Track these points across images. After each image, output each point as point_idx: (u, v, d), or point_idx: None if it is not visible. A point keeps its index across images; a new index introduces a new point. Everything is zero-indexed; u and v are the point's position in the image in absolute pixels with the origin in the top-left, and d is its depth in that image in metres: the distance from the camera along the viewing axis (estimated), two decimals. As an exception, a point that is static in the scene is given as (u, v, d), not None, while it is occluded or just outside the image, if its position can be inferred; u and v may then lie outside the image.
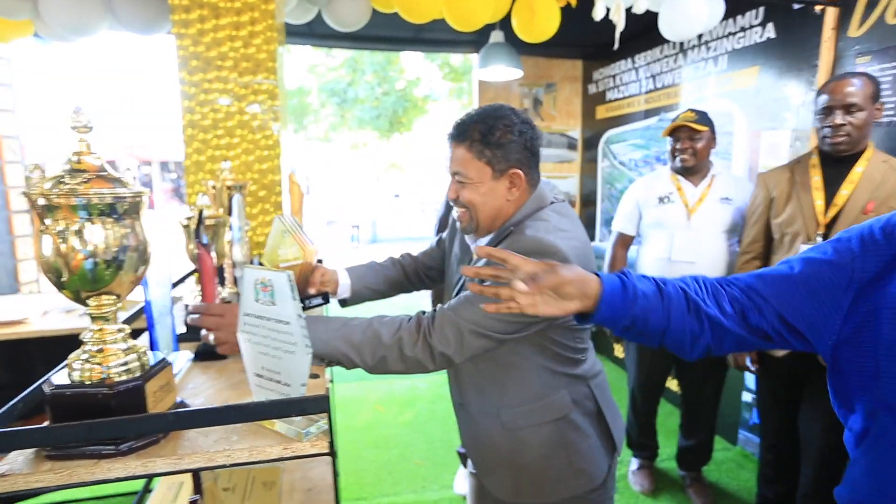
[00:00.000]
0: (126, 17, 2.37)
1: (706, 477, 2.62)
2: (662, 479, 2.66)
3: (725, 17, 2.82)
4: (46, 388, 0.72)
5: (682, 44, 3.33)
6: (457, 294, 1.23)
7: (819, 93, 1.79)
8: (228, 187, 1.61)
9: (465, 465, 2.65)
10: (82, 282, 0.71)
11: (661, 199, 2.30)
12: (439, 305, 1.06)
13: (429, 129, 13.63)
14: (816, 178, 1.82)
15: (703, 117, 2.20)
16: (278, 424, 0.81)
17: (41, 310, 1.82)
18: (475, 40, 4.15)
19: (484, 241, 1.18)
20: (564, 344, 1.15)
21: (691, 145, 2.19)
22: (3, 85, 4.14)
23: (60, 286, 0.71)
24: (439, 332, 1.00)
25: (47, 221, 0.67)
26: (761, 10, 2.66)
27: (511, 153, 1.09)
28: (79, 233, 0.69)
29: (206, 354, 1.13)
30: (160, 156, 15.27)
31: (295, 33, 3.45)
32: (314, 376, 0.98)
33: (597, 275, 0.82)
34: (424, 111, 12.89)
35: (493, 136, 1.07)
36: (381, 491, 2.66)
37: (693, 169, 2.23)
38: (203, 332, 0.94)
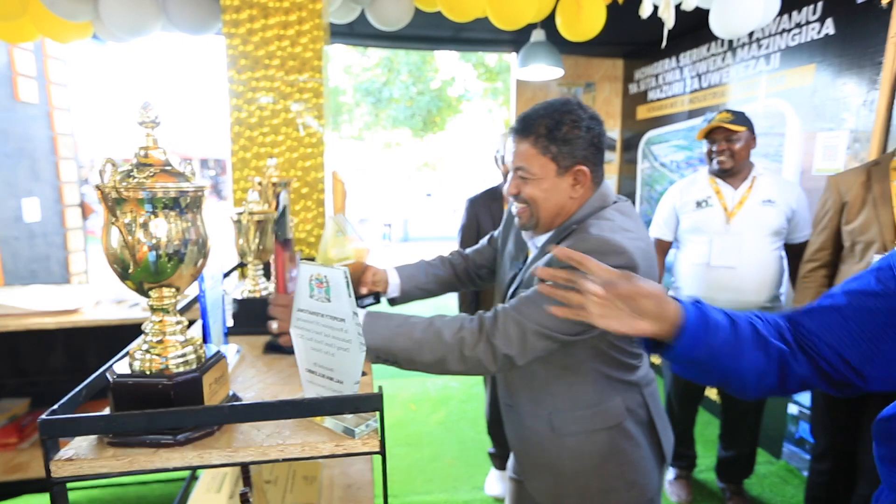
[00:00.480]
0: (179, 18, 2.44)
1: (748, 491, 2.52)
2: (701, 490, 2.58)
3: (780, 14, 2.71)
4: (109, 377, 0.74)
5: (730, 42, 3.22)
6: (511, 293, 1.21)
7: None
8: (274, 184, 1.63)
9: (496, 467, 2.62)
10: (146, 273, 0.73)
11: (698, 204, 2.24)
12: (500, 305, 1.03)
13: (462, 128, 13.62)
14: None
15: (739, 117, 2.13)
16: (328, 421, 0.81)
17: (93, 300, 1.89)
18: (514, 39, 4.12)
19: (543, 238, 1.15)
20: (622, 348, 1.12)
21: (728, 147, 2.12)
22: (60, 85, 4.33)
23: (125, 277, 0.73)
24: (502, 332, 0.98)
25: (116, 214, 0.69)
26: (819, 5, 2.54)
27: (577, 149, 1.06)
28: (144, 225, 0.71)
29: (274, 347, 1.14)
30: (200, 153, 15.76)
31: (335, 33, 3.49)
32: (362, 374, 0.98)
33: (675, 299, 0.77)
34: (458, 111, 12.90)
35: (559, 131, 1.05)
36: (412, 489, 2.67)
37: (732, 171, 2.16)
38: (269, 322, 0.96)
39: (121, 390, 0.73)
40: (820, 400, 2.01)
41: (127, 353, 0.77)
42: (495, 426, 2.56)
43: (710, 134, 2.17)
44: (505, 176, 2.22)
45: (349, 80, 12.39)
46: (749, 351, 0.74)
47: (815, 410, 2.05)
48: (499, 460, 2.61)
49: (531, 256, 1.19)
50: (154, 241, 0.72)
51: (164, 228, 0.72)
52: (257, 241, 1.27)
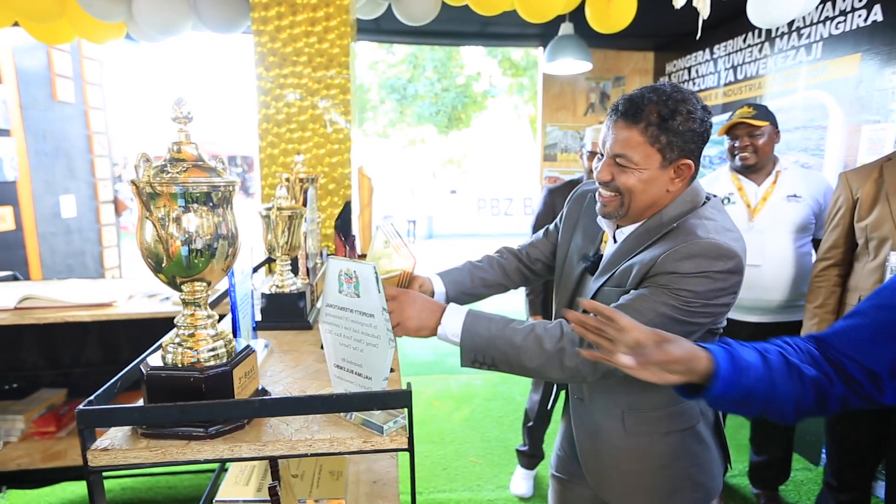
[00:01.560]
0: (209, 17, 2.48)
1: (784, 497, 2.44)
2: (733, 496, 2.51)
3: (822, 1, 2.60)
4: (143, 369, 0.75)
5: (768, 32, 3.11)
6: (574, 288, 1.18)
7: None
8: (301, 180, 1.64)
9: (523, 466, 2.60)
10: (178, 268, 0.73)
11: (721, 201, 2.19)
12: None
13: (487, 125, 13.56)
14: None
15: (761, 111, 2.08)
16: (356, 416, 0.80)
17: (126, 294, 1.93)
18: (541, 33, 4.06)
19: (628, 229, 1.09)
20: None
21: (751, 142, 2.07)
22: (95, 84, 4.46)
23: (158, 271, 0.73)
24: None
25: (150, 208, 0.69)
26: (865, -8, 2.43)
27: (688, 142, 1.00)
28: (177, 220, 0.71)
29: None
30: (228, 150, 16.07)
31: (361, 30, 3.50)
32: (390, 370, 0.97)
33: (703, 347, 0.78)
34: (483, 107, 12.84)
35: (673, 121, 0.97)
36: (435, 486, 2.66)
37: (755, 167, 2.10)
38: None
39: (154, 383, 0.73)
40: (834, 422, 1.95)
41: (160, 347, 0.78)
42: (537, 424, 2.52)
43: (732, 129, 2.11)
44: (590, 172, 2.15)
45: (374, 76, 12.45)
46: (783, 383, 0.76)
47: (829, 431, 1.99)
48: (528, 459, 2.57)
49: (610, 249, 1.13)
50: (186, 235, 0.72)
51: (195, 223, 0.72)
52: (286, 236, 1.27)
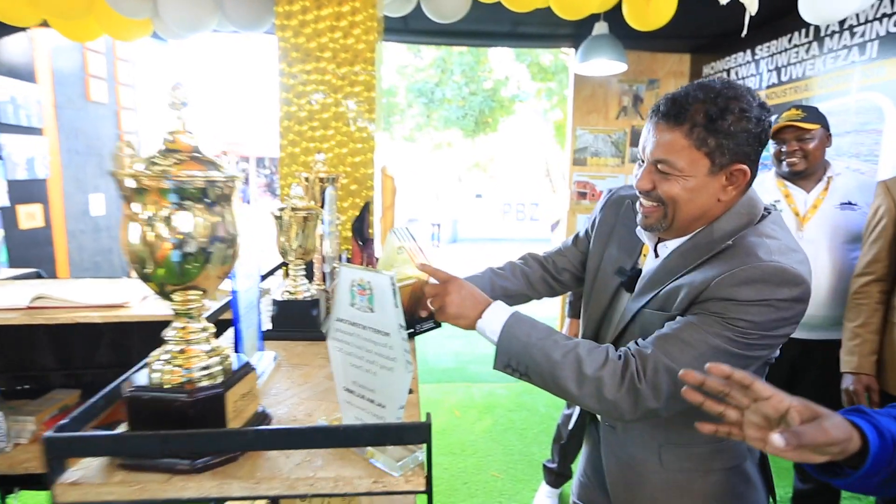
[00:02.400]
0: (234, 14, 2.43)
1: (833, 532, 2.24)
2: (777, 528, 2.32)
3: (880, -2, 2.42)
4: (125, 389, 0.66)
5: (817, 31, 2.92)
6: (607, 304, 1.07)
7: None
8: (321, 179, 1.55)
9: (549, 483, 2.46)
10: (168, 274, 0.64)
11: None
12: (643, 343, 0.89)
13: (514, 129, 13.43)
14: None
15: (812, 114, 1.94)
16: (368, 449, 0.70)
17: (141, 295, 1.88)
18: (573, 34, 3.93)
19: (674, 243, 0.97)
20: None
21: (800, 147, 1.93)
22: (128, 85, 4.51)
23: (146, 278, 0.64)
24: (651, 382, 0.84)
25: (135, 206, 0.60)
26: (931, -15, 2.24)
27: (741, 144, 0.87)
28: (167, 219, 0.62)
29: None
30: (256, 152, 16.29)
31: (390, 29, 3.43)
32: (408, 391, 0.87)
33: (852, 422, 0.66)
34: (511, 111, 12.71)
35: (723, 121, 0.85)
36: (454, 502, 2.55)
37: (804, 173, 1.95)
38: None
39: (136, 405, 0.64)
40: None
41: (146, 364, 0.69)
42: (571, 442, 2.38)
43: (779, 133, 1.98)
44: None
45: (402, 80, 12.45)
46: None
47: None
48: (555, 477, 2.44)
49: (650, 264, 1.01)
50: (178, 237, 0.63)
51: (189, 223, 0.63)
52: (299, 239, 1.18)
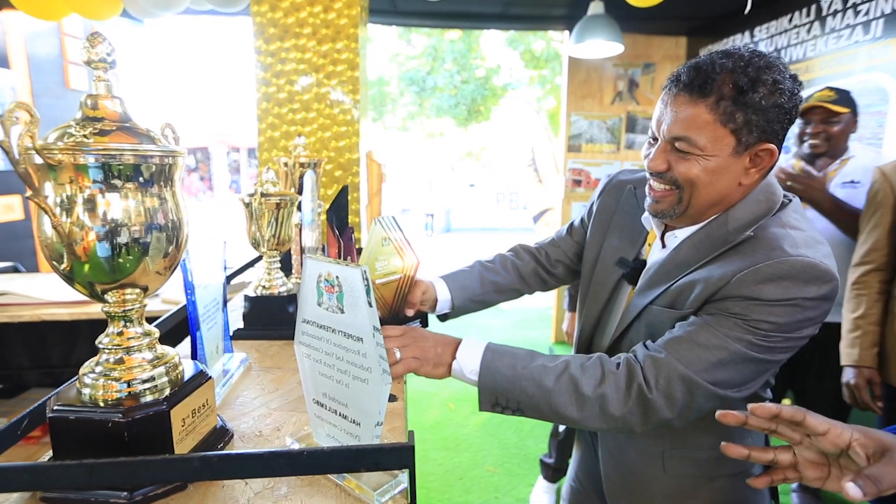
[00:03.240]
0: (208, -10, 2.29)
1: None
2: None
3: (889, -29, 2.32)
4: (50, 407, 0.55)
5: (818, 10, 2.82)
6: (608, 298, 0.97)
7: None
8: (301, 164, 1.44)
9: (546, 478, 2.38)
10: (94, 271, 0.53)
11: None
12: (652, 347, 0.79)
13: (507, 118, 13.30)
14: None
15: (843, 97, 1.87)
16: (339, 476, 0.59)
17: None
18: (567, 15, 3.81)
19: (685, 232, 0.87)
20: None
21: (825, 129, 1.87)
22: (105, 70, 4.34)
23: (67, 278, 0.53)
24: (664, 391, 0.75)
25: (46, 187, 0.49)
26: (942, -42, 2.14)
27: (772, 121, 0.77)
28: (89, 202, 0.51)
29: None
30: (248, 143, 16.04)
31: (377, 11, 3.29)
32: (392, 398, 0.77)
33: None
34: (502, 100, 12.57)
35: (755, 93, 0.75)
36: (449, 498, 2.47)
37: (824, 155, 1.91)
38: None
39: (60, 428, 0.53)
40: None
41: (77, 379, 0.58)
42: (567, 438, 2.31)
43: (807, 113, 1.90)
44: None
45: (394, 69, 12.27)
46: None
47: None
48: (552, 472, 2.36)
49: (657, 255, 0.91)
50: (104, 224, 0.52)
51: (118, 207, 0.52)
52: (272, 228, 1.07)
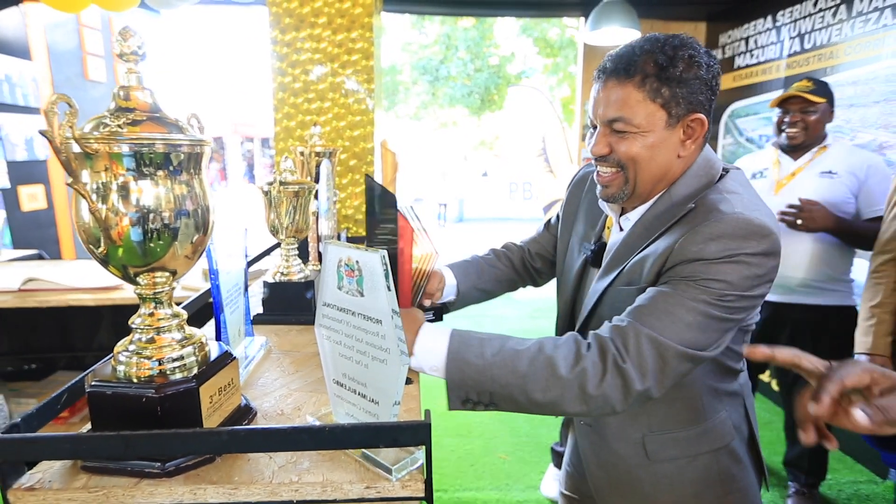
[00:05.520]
0: (225, -20, 2.31)
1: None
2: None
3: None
4: (88, 383, 0.58)
5: (847, -7, 2.75)
6: (575, 284, 0.98)
7: None
8: (317, 154, 1.46)
9: (557, 466, 2.41)
10: (128, 255, 0.56)
11: (754, 175, 2.12)
12: (619, 319, 0.80)
13: (521, 106, 13.18)
14: None
15: (820, 87, 1.94)
16: (359, 452, 0.62)
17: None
18: (583, 1, 3.77)
19: (637, 212, 0.91)
20: (731, 348, 0.88)
21: (802, 118, 1.94)
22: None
23: (103, 261, 0.56)
24: (635, 358, 0.75)
25: (83, 175, 0.52)
26: (974, -61, 2.07)
27: (695, 92, 0.83)
28: (123, 190, 0.54)
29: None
30: (262, 133, 16.16)
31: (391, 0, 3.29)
32: (407, 381, 0.79)
33: None
34: (515, 88, 12.46)
35: (674, 68, 0.81)
36: (461, 484, 2.51)
37: (801, 145, 1.97)
38: None
39: (98, 402, 0.57)
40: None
41: (112, 356, 0.61)
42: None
43: (785, 102, 1.98)
44: None
45: (407, 57, 12.22)
46: None
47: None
48: (562, 459, 2.39)
49: (616, 237, 0.95)
50: (136, 210, 0.54)
51: (150, 194, 0.55)
52: (291, 216, 1.10)
